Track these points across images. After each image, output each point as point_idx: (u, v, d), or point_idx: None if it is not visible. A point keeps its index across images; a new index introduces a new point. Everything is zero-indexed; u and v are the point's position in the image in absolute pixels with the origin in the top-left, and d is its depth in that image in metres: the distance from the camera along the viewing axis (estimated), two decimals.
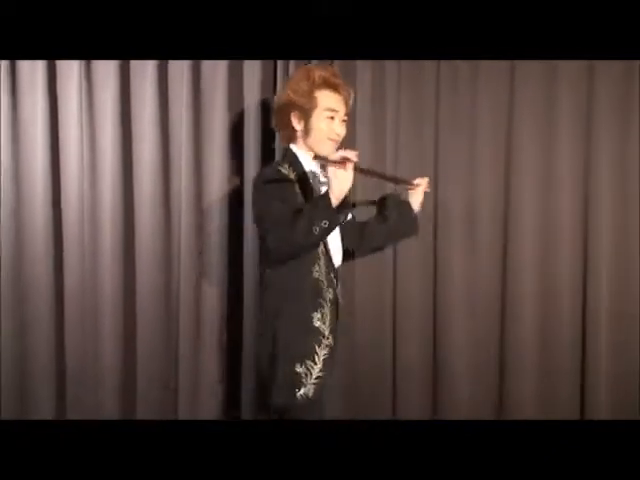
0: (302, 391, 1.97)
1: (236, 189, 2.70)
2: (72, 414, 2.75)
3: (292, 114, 2.09)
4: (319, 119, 2.07)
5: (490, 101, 2.65)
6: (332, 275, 2.06)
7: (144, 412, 2.73)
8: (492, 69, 2.63)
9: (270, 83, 2.64)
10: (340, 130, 2.09)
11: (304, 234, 1.87)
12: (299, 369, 1.98)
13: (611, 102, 2.63)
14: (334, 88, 2.07)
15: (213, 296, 2.72)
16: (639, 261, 2.69)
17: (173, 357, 2.75)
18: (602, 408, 2.67)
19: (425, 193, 2.31)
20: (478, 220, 2.53)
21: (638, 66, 2.61)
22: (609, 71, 2.61)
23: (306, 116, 2.07)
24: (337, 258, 2.15)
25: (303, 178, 2.06)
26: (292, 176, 2.04)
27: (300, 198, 2.02)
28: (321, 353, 2.00)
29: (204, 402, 2.72)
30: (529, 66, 2.60)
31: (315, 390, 1.98)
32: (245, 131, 2.67)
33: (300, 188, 2.03)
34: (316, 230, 1.86)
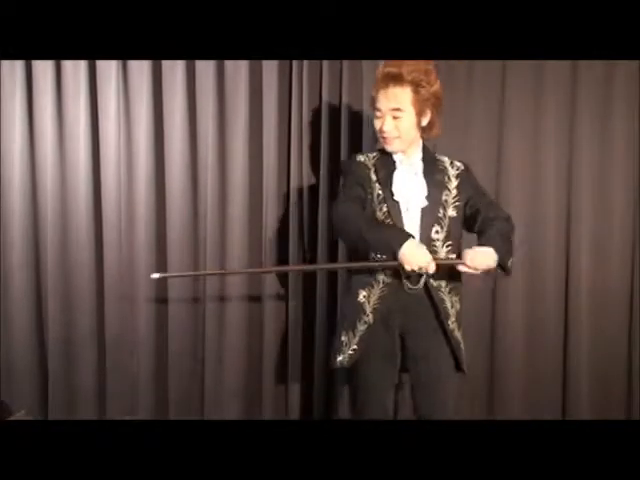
0: (340, 358, 2.10)
1: (257, 176, 2.87)
2: (111, 376, 2.99)
3: None
4: (374, 118, 2.10)
5: (483, 97, 2.75)
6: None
7: (174, 378, 2.96)
8: (485, 68, 2.74)
9: (286, 81, 2.81)
10: (387, 127, 2.04)
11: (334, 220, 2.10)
12: (343, 337, 2.11)
13: (592, 99, 2.73)
14: (387, 82, 2.03)
15: (235, 278, 2.90)
16: (619, 257, 2.79)
17: (200, 331, 2.96)
18: (584, 408, 2.80)
19: None
20: None
21: (619, 66, 2.72)
22: (591, 71, 2.71)
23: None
24: None
25: (381, 166, 2.11)
26: (369, 162, 2.13)
27: (371, 181, 2.10)
28: (360, 328, 2.07)
29: (228, 371, 2.94)
30: (518, 65, 2.72)
31: (349, 360, 2.08)
32: (265, 124, 2.85)
33: (376, 174, 2.10)
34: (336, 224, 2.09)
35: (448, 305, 2.10)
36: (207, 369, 2.96)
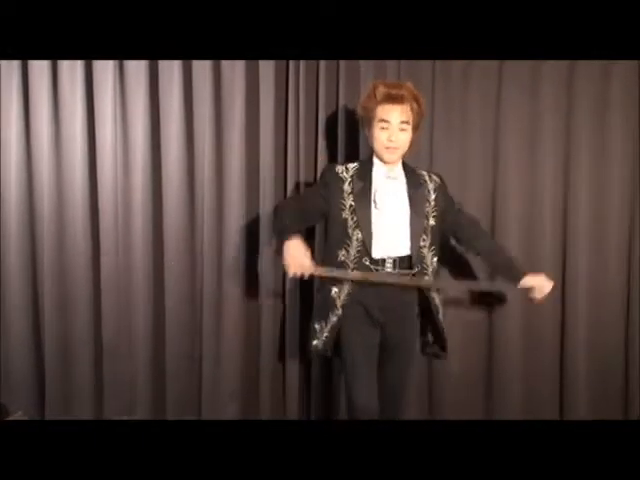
0: (315, 342, 2.34)
1: (253, 176, 2.85)
2: (108, 380, 2.98)
3: (365, 126, 2.32)
4: (376, 129, 2.24)
5: (480, 96, 2.74)
6: (367, 262, 2.21)
7: (171, 379, 2.95)
8: (482, 68, 2.72)
9: (283, 81, 2.80)
10: (395, 138, 2.21)
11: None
12: (317, 325, 2.34)
13: (589, 98, 2.73)
14: (392, 101, 2.20)
15: (233, 276, 2.89)
16: (616, 256, 2.78)
17: (197, 331, 2.94)
18: (580, 408, 2.81)
19: None
20: (467, 208, 2.58)
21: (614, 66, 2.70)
22: (588, 70, 2.71)
23: (369, 127, 2.28)
24: (382, 250, 2.22)
25: (359, 177, 2.26)
26: (346, 174, 2.27)
27: (344, 192, 2.24)
28: (331, 319, 2.28)
29: (225, 370, 2.92)
30: (515, 65, 2.70)
31: (323, 345, 2.31)
32: (261, 124, 2.83)
33: (351, 185, 2.25)
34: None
35: (438, 302, 2.36)
36: (204, 368, 2.95)
